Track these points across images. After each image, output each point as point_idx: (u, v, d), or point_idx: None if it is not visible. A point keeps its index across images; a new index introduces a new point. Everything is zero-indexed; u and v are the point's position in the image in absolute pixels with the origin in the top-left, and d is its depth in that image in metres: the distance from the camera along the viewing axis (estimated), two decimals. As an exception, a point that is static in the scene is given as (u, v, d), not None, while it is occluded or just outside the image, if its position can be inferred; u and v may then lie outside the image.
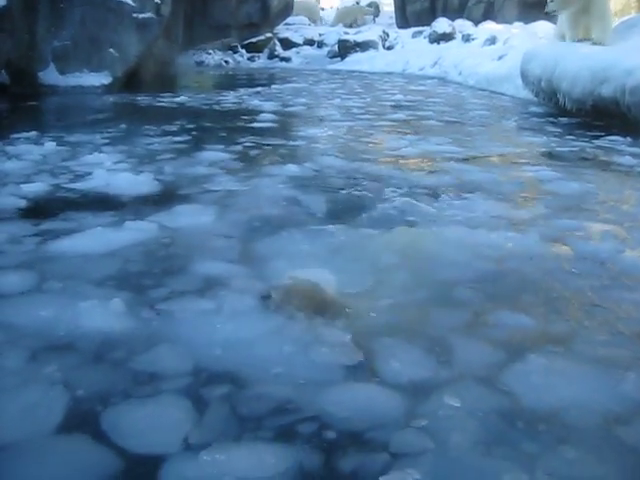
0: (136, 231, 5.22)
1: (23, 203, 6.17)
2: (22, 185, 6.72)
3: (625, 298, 4.21)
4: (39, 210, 6.00)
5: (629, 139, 10.11)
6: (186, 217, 5.72)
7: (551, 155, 9.37)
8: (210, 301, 3.99)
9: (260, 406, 2.96)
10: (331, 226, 5.44)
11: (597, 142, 10.14)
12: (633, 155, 8.92)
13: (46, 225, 5.49)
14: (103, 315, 3.72)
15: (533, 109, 14.47)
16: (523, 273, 4.58)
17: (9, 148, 8.83)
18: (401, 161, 8.65)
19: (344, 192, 6.81)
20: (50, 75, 16.67)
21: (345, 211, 6.07)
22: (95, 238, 5.03)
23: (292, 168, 7.84)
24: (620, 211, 6.27)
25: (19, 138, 9.55)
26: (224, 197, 6.50)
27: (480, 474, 2.59)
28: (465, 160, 8.76)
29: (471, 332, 3.74)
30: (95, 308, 3.78)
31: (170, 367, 3.26)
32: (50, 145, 9.01)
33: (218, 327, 3.67)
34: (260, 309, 3.89)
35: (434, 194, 6.67)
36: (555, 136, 10.82)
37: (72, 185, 6.95)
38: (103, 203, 6.27)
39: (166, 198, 6.47)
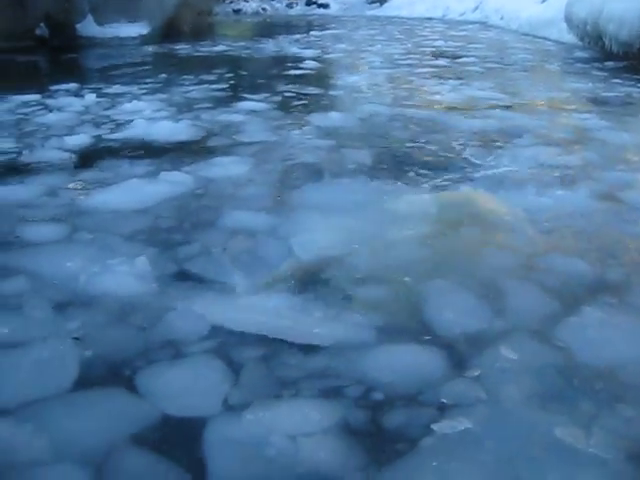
0: (171, 183, 5.19)
1: (64, 155, 6.17)
2: (65, 137, 6.73)
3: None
4: (79, 162, 6.01)
5: None
6: (221, 168, 5.67)
7: (596, 101, 9.11)
8: (238, 261, 3.87)
9: (296, 371, 2.87)
10: (371, 179, 5.31)
11: None
12: None
13: (83, 177, 5.50)
14: (129, 273, 3.68)
15: (578, 54, 14.10)
16: (577, 226, 4.43)
17: (50, 101, 8.85)
18: (445, 108, 8.47)
19: (387, 142, 6.67)
20: (88, 27, 16.62)
21: (387, 163, 5.89)
22: (129, 191, 5.01)
23: (334, 116, 7.72)
24: None
25: (59, 90, 9.56)
26: (261, 147, 6.42)
27: (532, 426, 2.52)
28: (509, 107, 8.57)
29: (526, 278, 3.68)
30: (122, 265, 3.76)
31: (195, 330, 3.14)
32: (90, 96, 9.01)
33: (246, 290, 3.55)
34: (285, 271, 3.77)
35: (482, 144, 6.48)
36: (600, 81, 10.53)
37: (112, 135, 6.97)
38: (141, 153, 6.26)
39: (203, 148, 6.44)
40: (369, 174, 5.46)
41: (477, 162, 5.83)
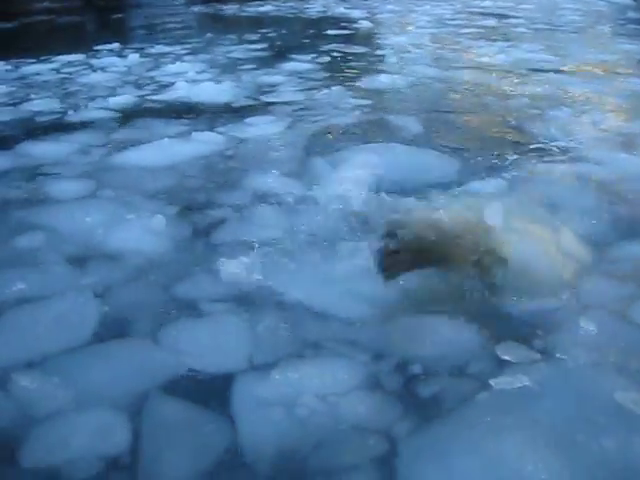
0: (202, 143, 5.17)
1: (103, 115, 6.23)
2: (107, 98, 6.78)
3: None
4: (116, 121, 6.04)
5: None
6: (256, 128, 5.61)
7: None
8: (258, 225, 3.79)
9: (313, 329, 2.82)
10: (417, 147, 5.04)
11: None
12: None
13: (117, 136, 5.52)
14: (148, 230, 3.66)
15: (631, 14, 13.65)
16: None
17: (94, 61, 8.90)
18: (495, 71, 8.21)
19: (436, 108, 6.43)
20: (134, -13, 16.61)
21: (437, 132, 5.60)
22: (160, 150, 4.99)
23: (381, 78, 7.54)
24: None
25: (103, 50, 9.63)
26: (300, 108, 6.32)
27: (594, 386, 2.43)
28: (562, 70, 8.28)
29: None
30: (141, 221, 3.75)
31: (212, 290, 3.10)
32: (133, 57, 9.02)
33: (262, 252, 3.45)
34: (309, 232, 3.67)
35: (539, 112, 6.20)
36: (652, 42, 10.14)
37: (153, 96, 6.99)
38: (178, 113, 6.24)
39: (241, 108, 6.39)
40: (414, 142, 5.17)
41: (535, 131, 5.54)
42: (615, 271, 3.20)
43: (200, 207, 4.03)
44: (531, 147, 5.08)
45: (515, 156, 4.83)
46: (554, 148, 5.05)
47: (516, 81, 7.56)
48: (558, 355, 2.57)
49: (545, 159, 4.80)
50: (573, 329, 2.72)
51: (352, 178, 4.20)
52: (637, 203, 4.03)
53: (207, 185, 4.40)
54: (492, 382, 2.40)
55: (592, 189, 4.24)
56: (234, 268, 3.21)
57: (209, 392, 2.43)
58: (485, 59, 8.94)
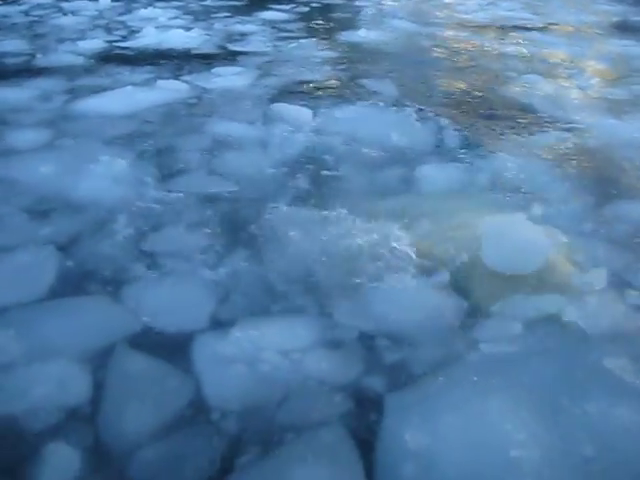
0: (166, 91, 5.10)
1: (66, 60, 6.10)
2: (75, 42, 6.67)
3: None
4: (80, 67, 5.93)
5: None
6: (223, 78, 5.54)
7: (627, 25, 8.76)
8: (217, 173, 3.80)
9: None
10: (386, 107, 4.88)
11: None
12: None
13: (81, 82, 5.42)
14: (108, 179, 3.62)
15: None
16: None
17: (64, 4, 8.74)
18: (476, 28, 8.14)
19: (410, 65, 6.32)
20: None
21: (404, 89, 5.43)
22: (123, 97, 4.92)
23: (358, 33, 7.42)
24: None
25: (73, -7, 9.36)
26: (270, 60, 6.24)
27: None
28: (543, 29, 8.25)
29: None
30: (101, 170, 3.70)
31: (175, 244, 3.06)
32: (105, 0, 8.83)
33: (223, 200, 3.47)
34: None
35: (518, 72, 6.13)
36: (630, 4, 10.12)
37: (122, 41, 6.87)
38: (145, 60, 6.15)
39: (209, 57, 6.29)
40: (385, 102, 4.98)
41: (518, 95, 5.46)
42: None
43: (159, 152, 4.00)
44: (517, 112, 5.03)
45: (499, 122, 4.78)
46: (541, 114, 5.01)
47: (497, 40, 7.50)
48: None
49: (532, 125, 4.75)
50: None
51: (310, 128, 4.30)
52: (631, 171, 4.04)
53: (167, 132, 4.34)
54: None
55: (582, 156, 4.24)
56: (195, 218, 3.22)
57: (171, 348, 2.40)
58: (465, 16, 8.86)
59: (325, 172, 3.73)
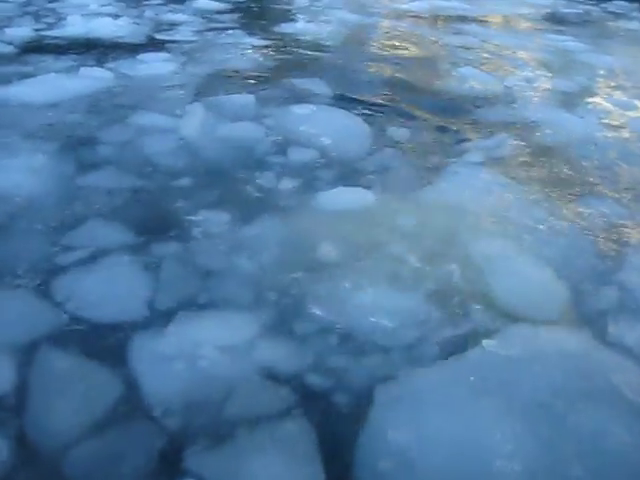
0: (89, 79, 5.03)
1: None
2: (4, 29, 6.55)
3: None
4: (4, 54, 5.80)
5: (637, 4, 9.89)
6: (148, 66, 5.49)
7: (556, 17, 9.02)
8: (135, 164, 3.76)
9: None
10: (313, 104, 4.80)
11: (604, 5, 9.88)
12: None
13: (2, 70, 5.29)
14: (28, 171, 3.56)
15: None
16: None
17: (-7, -11, 8.45)
18: (414, 18, 8.22)
19: (345, 56, 6.28)
20: None
21: (337, 83, 5.31)
22: (44, 86, 4.83)
23: (294, 23, 7.40)
24: None
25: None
26: (198, 49, 6.19)
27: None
28: (480, 21, 8.37)
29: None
30: (20, 162, 3.64)
31: (100, 235, 3.04)
32: (35, -14, 8.60)
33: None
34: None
35: (465, 63, 6.23)
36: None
37: (50, 29, 6.71)
38: (70, 47, 6.04)
39: (135, 45, 6.22)
40: (314, 98, 4.95)
41: (466, 90, 5.50)
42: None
43: (81, 144, 3.95)
44: (466, 108, 5.05)
45: (449, 120, 4.76)
46: (490, 108, 5.07)
47: (437, 31, 7.60)
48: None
49: (481, 122, 4.78)
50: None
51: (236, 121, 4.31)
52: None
53: (89, 124, 4.28)
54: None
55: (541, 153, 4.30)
56: (117, 211, 3.20)
57: (103, 343, 2.37)
58: (402, 6, 8.91)
59: (243, 169, 3.73)
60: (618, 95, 5.68)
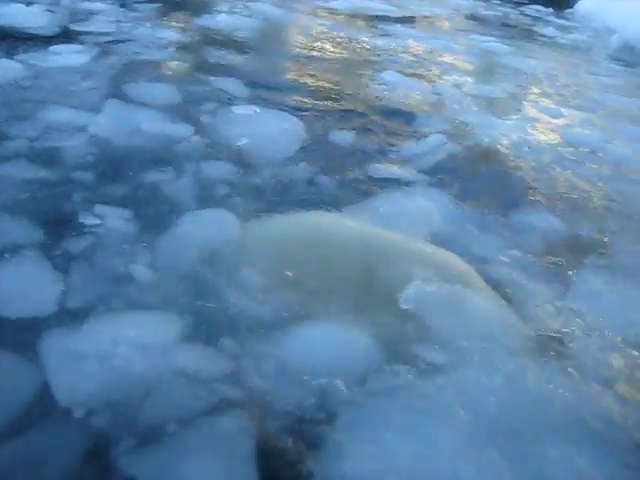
0: (-3, 70, 4.75)
1: None
2: None
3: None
4: None
5: (551, 9, 10.38)
6: (61, 57, 5.24)
7: (477, 18, 9.24)
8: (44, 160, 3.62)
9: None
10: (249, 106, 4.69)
11: (521, 9, 10.30)
12: (556, 27, 9.13)
13: None
14: None
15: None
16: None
17: None
18: (338, 16, 8.20)
19: (264, 53, 6.18)
20: None
21: (253, 82, 5.24)
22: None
23: (214, 16, 7.24)
24: (586, 97, 6.26)
25: None
26: (113, 40, 5.95)
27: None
28: (403, 21, 8.42)
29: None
30: None
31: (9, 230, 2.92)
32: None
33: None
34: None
35: (390, 65, 6.22)
36: (479, -2, 10.64)
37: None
38: (-26, 38, 5.72)
39: (48, 35, 5.92)
40: (232, 96, 4.85)
41: (398, 93, 5.45)
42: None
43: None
44: (392, 112, 5.00)
45: (374, 127, 4.69)
46: (420, 113, 5.04)
47: (360, 30, 7.56)
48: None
49: (411, 128, 4.75)
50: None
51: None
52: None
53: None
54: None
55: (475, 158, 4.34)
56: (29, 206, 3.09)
57: (14, 340, 2.28)
58: (326, 4, 8.90)
59: (154, 167, 3.62)
60: (545, 101, 5.85)
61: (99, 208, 3.13)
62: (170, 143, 3.91)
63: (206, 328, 2.43)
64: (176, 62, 5.55)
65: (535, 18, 9.80)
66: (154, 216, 3.12)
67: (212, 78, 5.14)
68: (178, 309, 2.50)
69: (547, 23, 9.48)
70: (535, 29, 9.10)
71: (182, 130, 4.10)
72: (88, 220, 3.03)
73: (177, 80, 5.04)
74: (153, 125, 4.10)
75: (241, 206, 3.28)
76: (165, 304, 2.53)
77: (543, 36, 8.78)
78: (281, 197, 3.48)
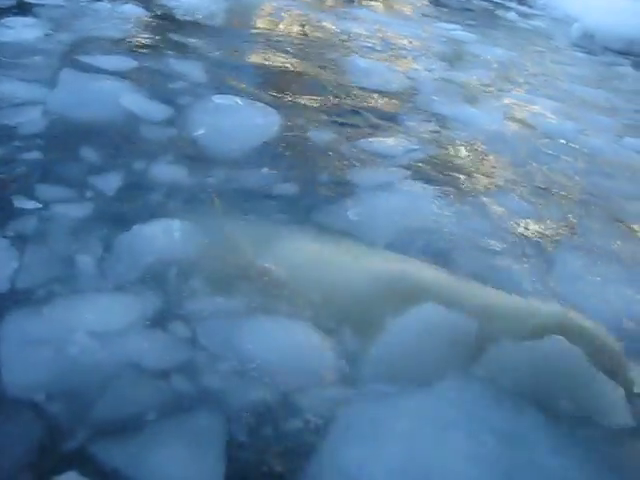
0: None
1: None
2: None
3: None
4: None
5: None
6: (14, 31, 4.97)
7: (440, 3, 9.19)
8: None
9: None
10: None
11: None
12: (518, 13, 9.26)
13: None
14: None
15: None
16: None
17: None
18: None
19: (232, 39, 5.86)
20: None
21: (214, 67, 4.98)
22: None
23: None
24: (555, 86, 6.26)
25: None
26: (67, 15, 5.63)
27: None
28: (369, 6, 8.34)
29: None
30: None
31: None
32: None
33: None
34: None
35: (359, 50, 6.05)
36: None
37: None
38: None
39: (1, 7, 5.58)
40: (187, 82, 4.57)
41: (368, 79, 5.28)
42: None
43: None
44: (364, 99, 4.85)
45: (343, 114, 4.53)
46: (394, 100, 4.93)
47: (326, 14, 7.39)
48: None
49: (383, 114, 4.64)
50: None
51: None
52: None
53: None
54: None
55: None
56: None
57: None
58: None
59: (107, 144, 3.50)
60: (516, 90, 5.85)
61: (51, 187, 3.03)
62: (126, 122, 3.79)
63: (166, 315, 2.34)
64: (135, 39, 5.30)
65: (496, 4, 9.91)
66: (106, 197, 3.03)
67: (173, 60, 4.90)
68: (135, 295, 2.41)
69: (508, 9, 9.54)
70: (497, 15, 9.18)
71: (138, 109, 3.95)
72: (37, 200, 2.91)
73: (136, 57, 4.81)
74: (108, 99, 3.99)
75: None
76: (119, 290, 2.44)
77: (506, 22, 8.86)
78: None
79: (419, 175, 3.78)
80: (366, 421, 2.03)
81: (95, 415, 1.93)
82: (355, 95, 4.92)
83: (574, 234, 3.49)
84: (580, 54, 8.13)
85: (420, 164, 3.95)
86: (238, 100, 4.31)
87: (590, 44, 8.73)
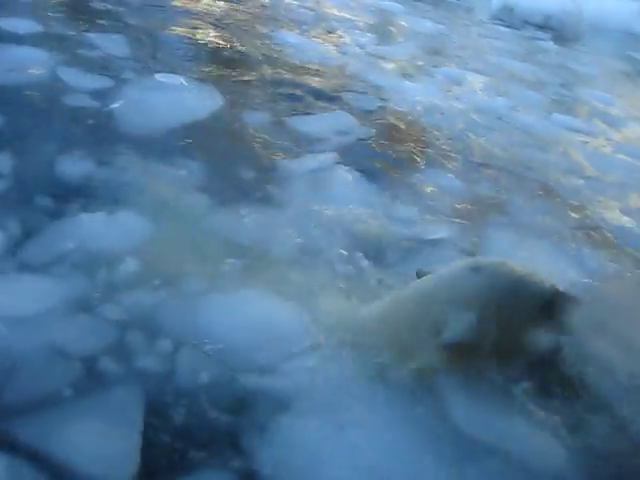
0: None
1: None
2: None
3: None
4: None
5: None
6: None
7: None
8: None
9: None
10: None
11: None
12: None
13: None
14: None
15: None
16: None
17: None
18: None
19: (158, 12, 5.63)
20: None
21: (144, 47, 4.69)
22: None
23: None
24: (484, 60, 6.26)
25: None
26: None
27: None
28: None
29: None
30: None
31: None
32: None
33: None
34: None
35: (287, 23, 5.94)
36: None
37: None
38: None
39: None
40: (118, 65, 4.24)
41: (304, 55, 5.18)
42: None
43: None
44: (295, 74, 4.74)
45: (279, 89, 4.40)
46: (333, 77, 4.84)
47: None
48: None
49: (319, 88, 4.54)
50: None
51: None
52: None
53: None
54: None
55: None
56: None
57: None
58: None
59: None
60: (447, 64, 5.84)
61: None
62: (37, 89, 3.61)
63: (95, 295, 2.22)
64: (50, 14, 4.94)
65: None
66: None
67: (92, 35, 4.61)
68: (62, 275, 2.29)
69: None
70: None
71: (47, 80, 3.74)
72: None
73: (51, 37, 4.48)
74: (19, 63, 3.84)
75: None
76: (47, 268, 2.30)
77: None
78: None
79: (352, 155, 3.66)
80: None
81: (6, 396, 1.84)
82: (289, 71, 4.79)
83: (504, 211, 3.48)
84: (503, 28, 8.26)
85: (356, 142, 3.88)
86: (172, 77, 4.11)
87: (510, 17, 8.87)
